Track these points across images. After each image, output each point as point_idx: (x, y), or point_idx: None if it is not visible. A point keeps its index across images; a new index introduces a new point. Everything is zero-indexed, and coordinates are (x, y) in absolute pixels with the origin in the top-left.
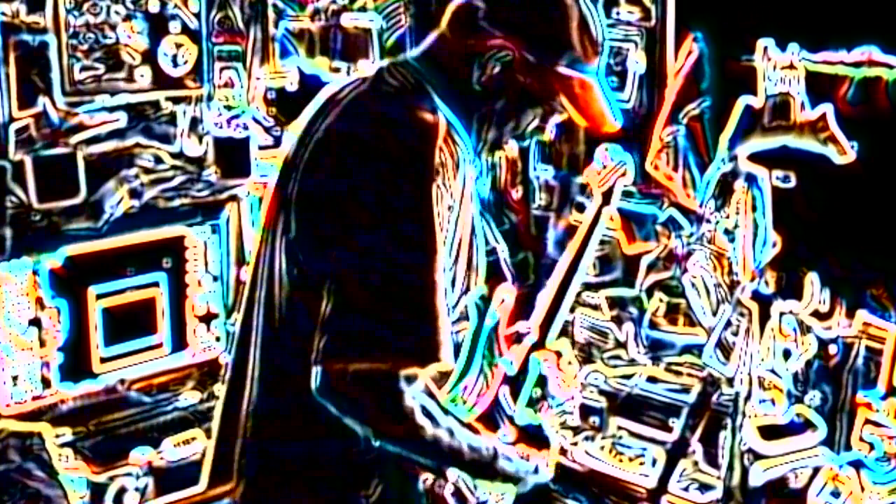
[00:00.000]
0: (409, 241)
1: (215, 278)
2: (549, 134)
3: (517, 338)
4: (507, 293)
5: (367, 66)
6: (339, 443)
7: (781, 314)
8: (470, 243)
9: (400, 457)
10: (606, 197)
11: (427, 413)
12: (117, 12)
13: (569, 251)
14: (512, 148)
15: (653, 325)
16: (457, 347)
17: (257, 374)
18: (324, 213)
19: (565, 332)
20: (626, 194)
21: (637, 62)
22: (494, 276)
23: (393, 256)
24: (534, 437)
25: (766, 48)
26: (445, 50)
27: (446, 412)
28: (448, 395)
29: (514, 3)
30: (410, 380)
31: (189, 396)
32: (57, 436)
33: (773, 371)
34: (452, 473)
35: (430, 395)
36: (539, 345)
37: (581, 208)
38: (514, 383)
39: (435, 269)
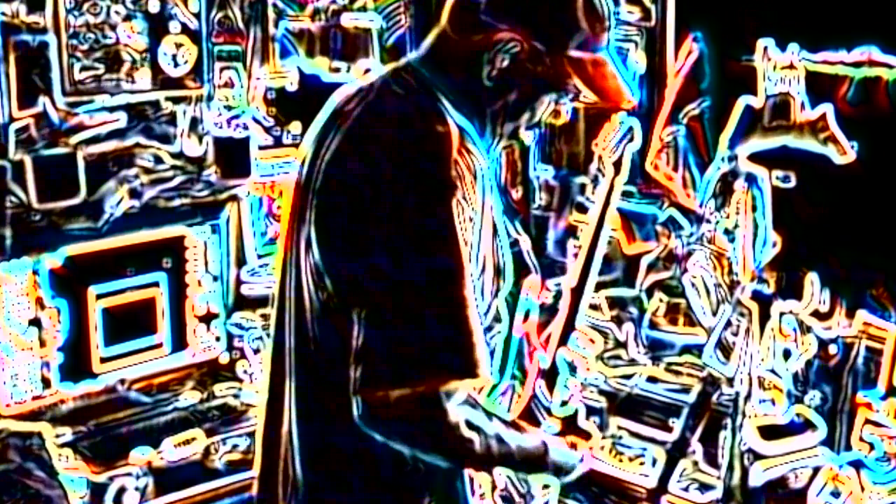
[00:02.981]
0: (435, 260)
1: (215, 278)
2: (565, 116)
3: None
4: (533, 285)
5: (371, 72)
6: (386, 464)
7: (781, 314)
8: (494, 248)
9: (450, 471)
10: (617, 166)
11: (472, 426)
12: (117, 12)
13: (589, 226)
14: (526, 135)
15: (653, 325)
16: (491, 353)
17: (294, 397)
18: (346, 239)
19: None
20: (626, 194)
21: (637, 62)
22: (519, 269)
23: (420, 278)
24: (576, 428)
25: (766, 48)
26: (449, 49)
27: (491, 417)
28: (487, 400)
29: None
30: (451, 395)
31: (189, 396)
32: (57, 436)
33: (773, 371)
34: (500, 477)
35: (473, 403)
36: (568, 330)
37: (581, 208)
38: (550, 377)
39: (464, 285)
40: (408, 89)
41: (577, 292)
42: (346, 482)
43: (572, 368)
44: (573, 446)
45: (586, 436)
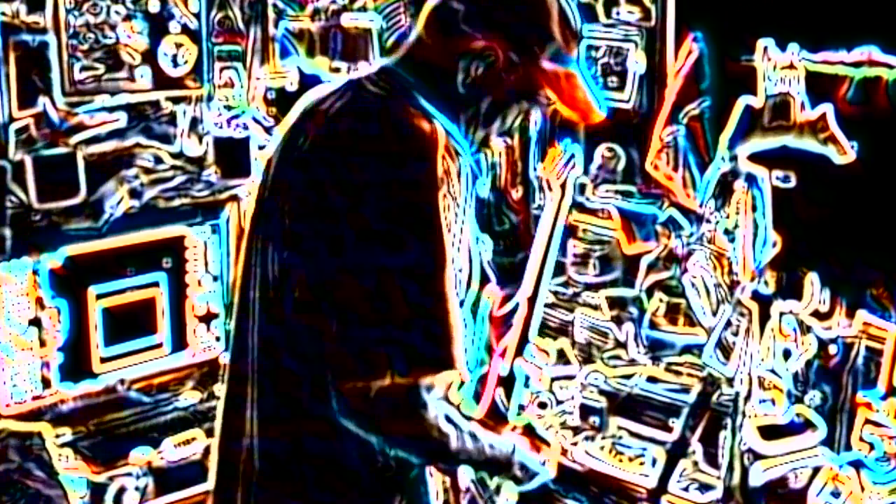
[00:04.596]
0: (419, 253)
1: (215, 278)
2: (534, 126)
3: (506, 322)
4: (491, 293)
5: (339, 75)
6: (357, 463)
7: (781, 314)
8: (469, 257)
9: (420, 470)
10: (563, 188)
11: (450, 421)
12: (117, 12)
13: (539, 241)
14: (497, 144)
15: (653, 325)
16: None
17: (258, 402)
18: (328, 235)
19: (564, 332)
20: (626, 194)
21: (637, 62)
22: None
23: (404, 271)
24: (535, 435)
25: (766, 48)
26: (426, 54)
27: (467, 416)
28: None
29: (494, 3)
30: (430, 388)
31: (189, 396)
32: (57, 436)
33: (773, 371)
34: (465, 479)
35: (448, 399)
36: (524, 341)
37: (581, 208)
38: (508, 385)
39: (447, 279)
40: (388, 90)
41: (532, 302)
42: (316, 484)
43: (526, 381)
44: (537, 449)
45: (545, 443)
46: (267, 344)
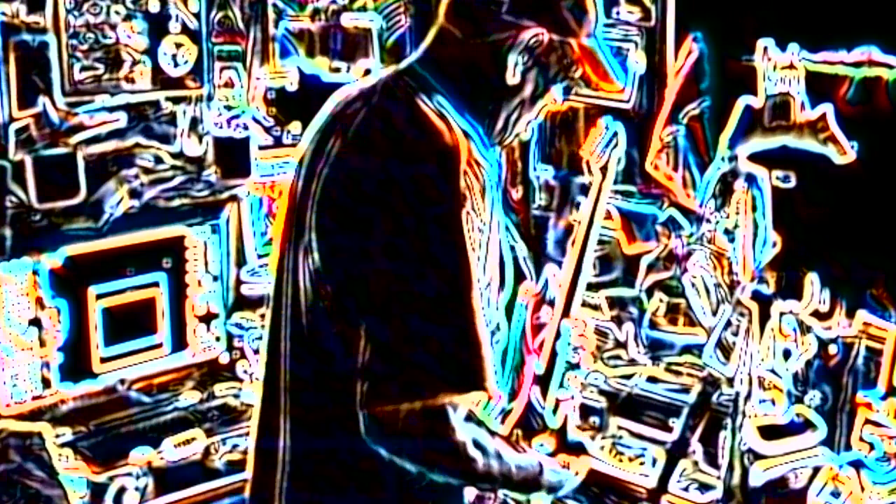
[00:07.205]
0: (444, 271)
1: (215, 278)
2: (560, 101)
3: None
4: (527, 290)
5: (369, 74)
6: (389, 473)
7: (781, 314)
8: (501, 259)
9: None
10: (604, 171)
11: (478, 444)
12: (117, 12)
13: (578, 232)
14: (527, 131)
15: (653, 325)
16: None
17: (289, 403)
18: (352, 249)
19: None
20: (626, 194)
21: (637, 62)
22: (515, 276)
23: (429, 290)
24: (571, 445)
25: (766, 48)
26: (458, 51)
27: (491, 434)
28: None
29: None
30: (456, 407)
31: (189, 396)
32: (57, 436)
33: (773, 371)
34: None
35: (474, 419)
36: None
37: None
38: (544, 383)
39: (472, 297)
40: (411, 95)
41: (568, 299)
42: (346, 492)
43: (571, 366)
44: (566, 466)
45: (580, 450)
46: (297, 350)
